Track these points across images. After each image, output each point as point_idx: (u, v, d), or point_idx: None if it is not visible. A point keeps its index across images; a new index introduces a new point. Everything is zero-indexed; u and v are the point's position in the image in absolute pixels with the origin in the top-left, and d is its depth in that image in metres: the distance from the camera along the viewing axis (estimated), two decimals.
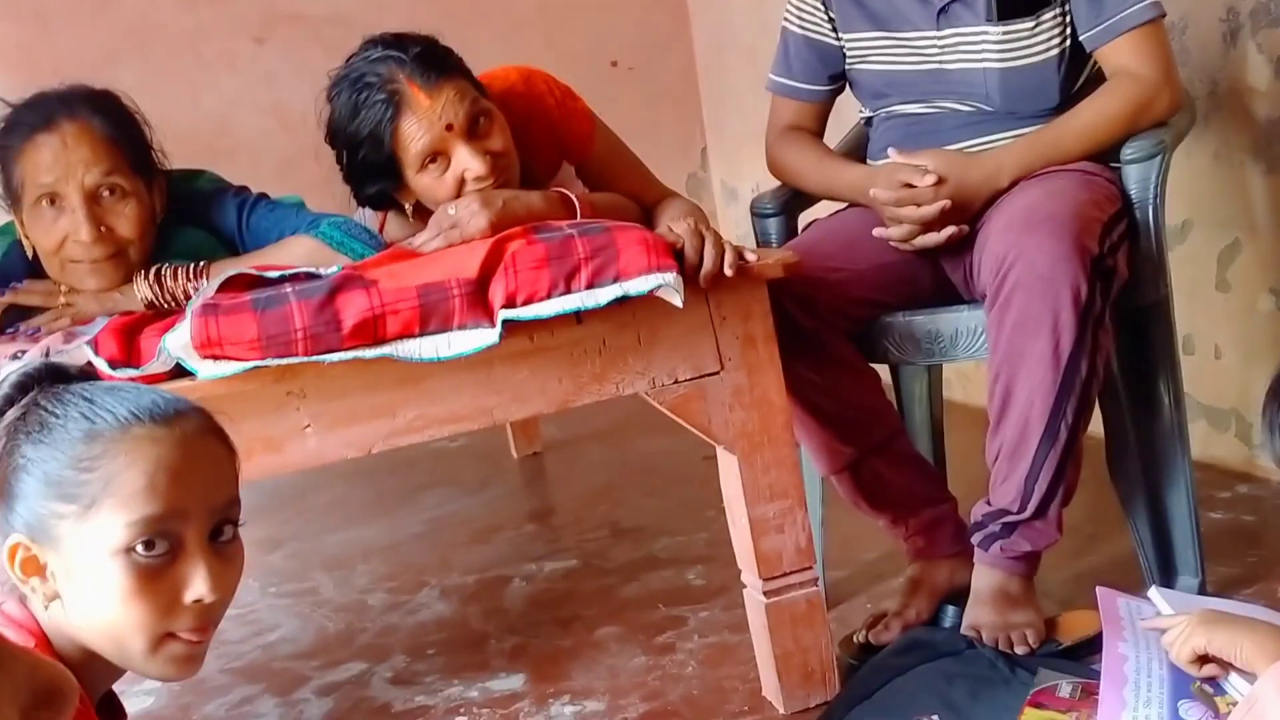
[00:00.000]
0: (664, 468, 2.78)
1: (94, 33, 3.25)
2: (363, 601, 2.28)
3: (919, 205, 1.72)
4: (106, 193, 1.54)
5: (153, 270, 1.55)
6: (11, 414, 0.96)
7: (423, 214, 1.71)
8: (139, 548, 0.93)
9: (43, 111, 1.54)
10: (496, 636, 2.03)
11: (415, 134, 1.64)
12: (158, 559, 0.94)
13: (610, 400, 1.58)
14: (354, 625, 2.17)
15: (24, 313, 1.52)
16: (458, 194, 1.66)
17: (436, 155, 1.66)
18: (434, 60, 1.67)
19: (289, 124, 3.29)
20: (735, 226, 3.66)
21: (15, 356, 1.38)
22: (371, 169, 1.69)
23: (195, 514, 0.96)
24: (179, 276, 1.55)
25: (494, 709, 1.77)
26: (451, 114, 1.64)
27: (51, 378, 0.99)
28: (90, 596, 0.94)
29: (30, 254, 1.60)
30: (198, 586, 0.95)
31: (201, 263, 1.57)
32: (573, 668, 1.86)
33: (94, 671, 0.97)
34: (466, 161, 1.65)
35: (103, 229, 1.53)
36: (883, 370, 1.90)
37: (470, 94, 1.67)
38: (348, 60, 1.72)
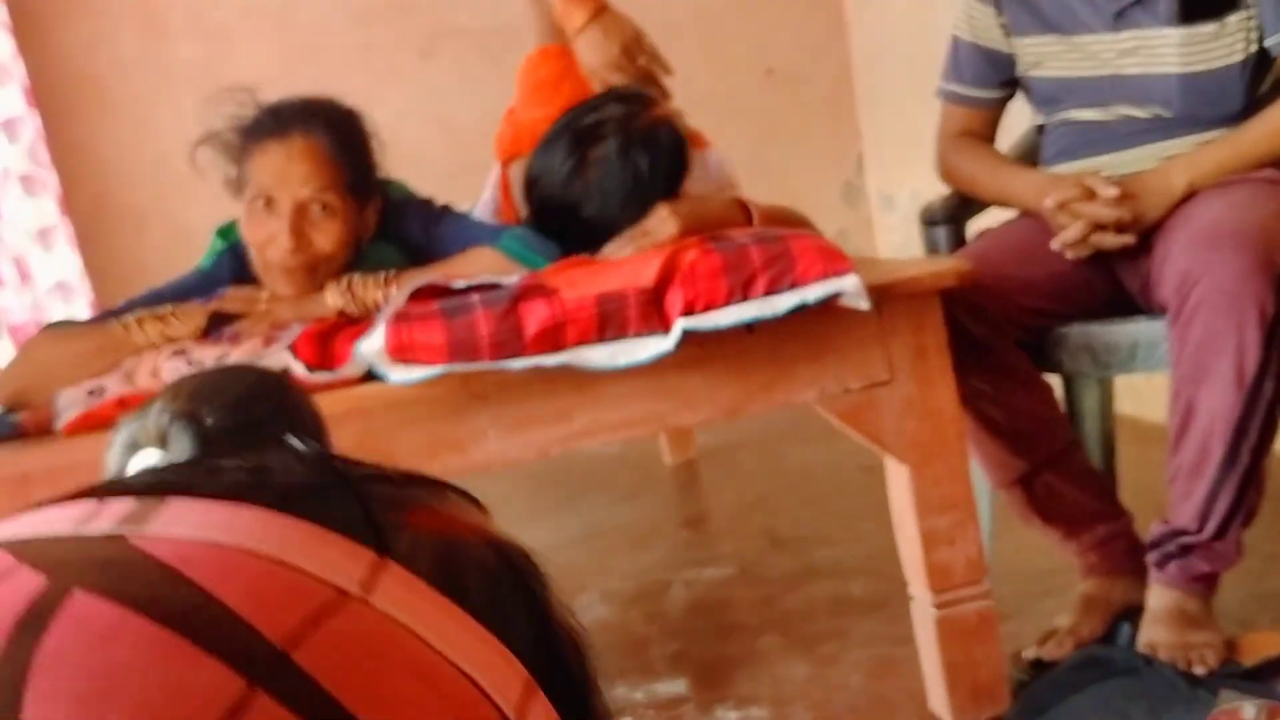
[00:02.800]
0: (820, 478, 2.78)
1: (271, 50, 3.40)
2: None
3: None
4: (316, 208, 1.62)
5: (345, 280, 1.62)
6: None
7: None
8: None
9: (282, 119, 1.63)
10: (658, 641, 2.05)
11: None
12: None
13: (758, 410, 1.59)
14: None
15: (227, 318, 1.60)
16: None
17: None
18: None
19: (453, 136, 3.39)
20: (891, 233, 3.63)
21: (219, 359, 1.46)
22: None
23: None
24: (369, 286, 1.61)
25: (659, 712, 1.79)
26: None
27: None
28: None
29: (236, 259, 1.69)
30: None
31: (391, 273, 1.63)
32: (736, 675, 1.87)
33: None
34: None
35: (303, 240, 1.60)
36: (1054, 382, 1.87)
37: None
38: None
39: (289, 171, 1.60)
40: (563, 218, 1.70)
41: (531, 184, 1.76)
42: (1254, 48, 1.71)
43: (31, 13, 3.24)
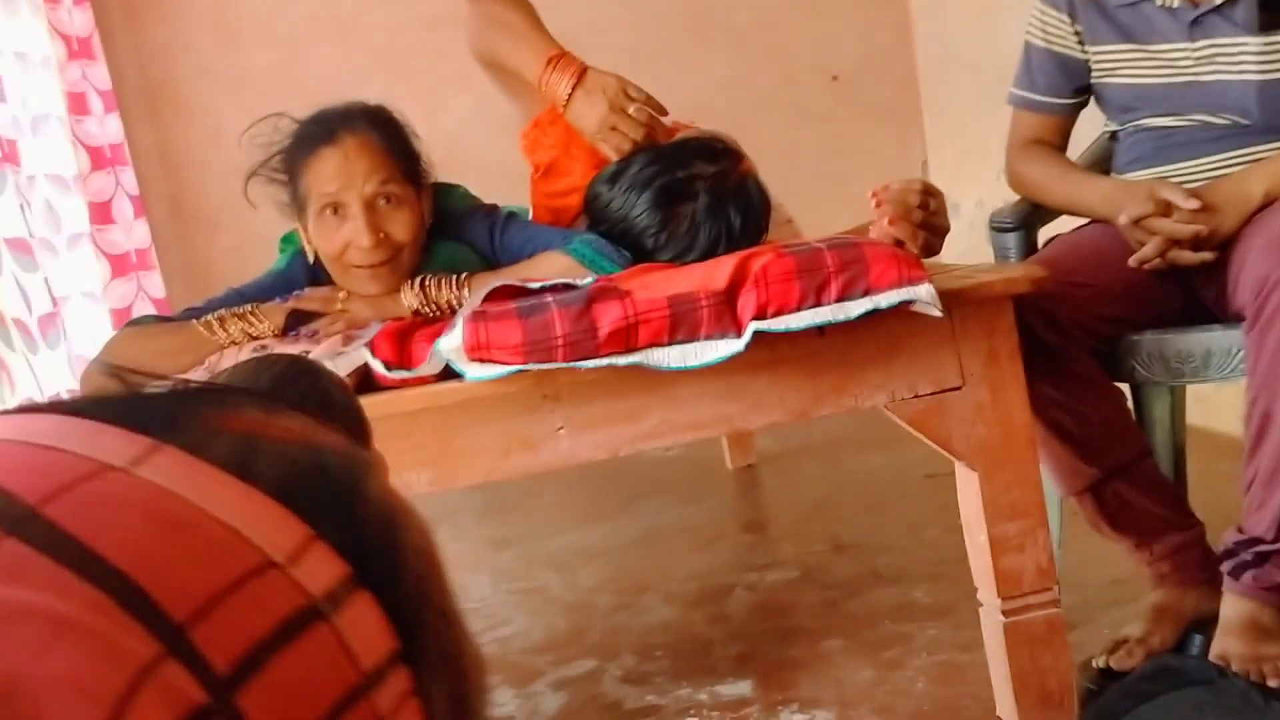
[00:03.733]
0: (883, 484, 2.77)
1: (340, 56, 3.46)
2: (589, 601, 2.35)
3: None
4: (383, 201, 1.64)
5: (418, 280, 1.65)
6: None
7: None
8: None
9: (326, 126, 1.66)
10: (722, 643, 2.06)
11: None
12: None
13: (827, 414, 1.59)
14: (582, 624, 2.24)
15: (306, 316, 1.64)
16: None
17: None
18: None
19: (515, 140, 3.42)
20: (957, 241, 3.61)
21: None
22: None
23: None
24: (443, 287, 1.64)
25: (724, 713, 1.80)
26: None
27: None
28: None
29: (311, 259, 1.72)
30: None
31: (463, 275, 1.66)
32: (800, 677, 1.88)
33: None
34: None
35: (381, 235, 1.63)
36: (1125, 390, 1.85)
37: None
38: None
39: (351, 171, 1.63)
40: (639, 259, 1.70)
41: (602, 228, 1.75)
42: None
43: (112, 18, 3.32)
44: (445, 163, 3.36)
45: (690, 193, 1.69)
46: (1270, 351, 1.53)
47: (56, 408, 0.35)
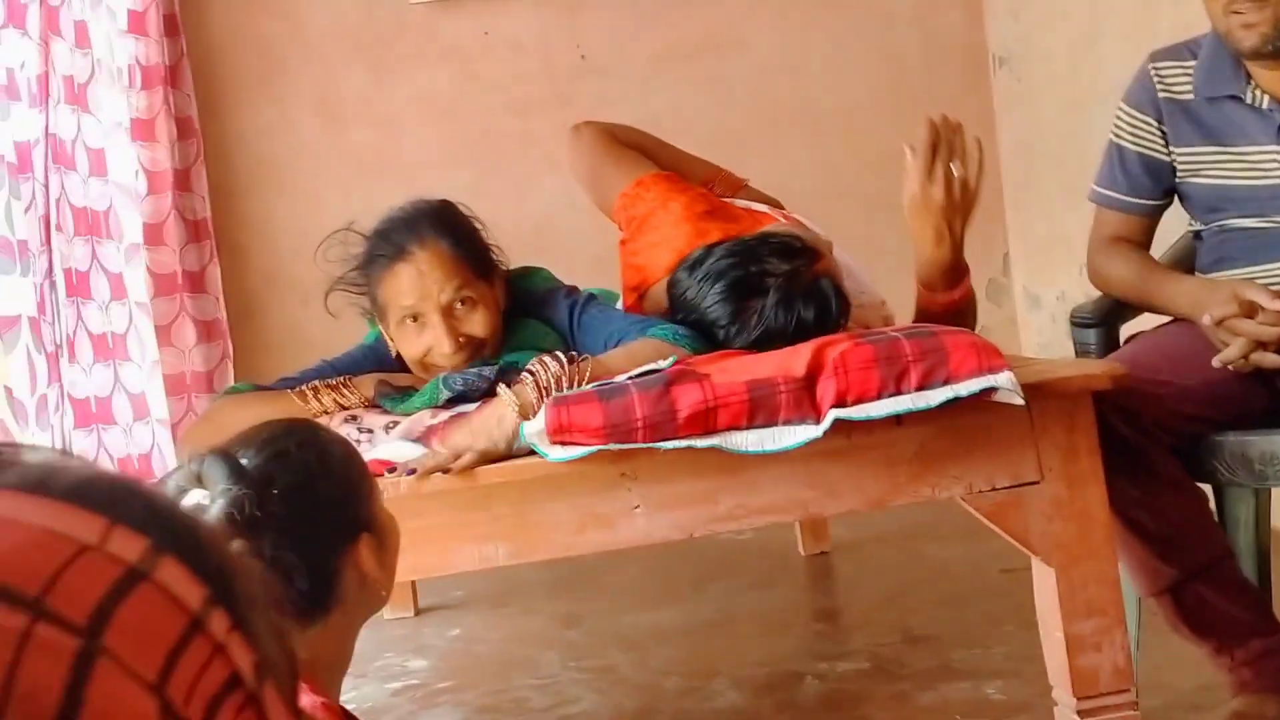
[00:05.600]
0: (958, 577, 2.74)
1: (436, 137, 3.57)
2: (658, 683, 2.35)
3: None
4: (459, 305, 1.71)
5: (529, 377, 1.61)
6: None
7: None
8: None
9: (396, 242, 1.72)
10: None
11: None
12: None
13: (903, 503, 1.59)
14: (651, 706, 2.24)
15: (394, 389, 1.69)
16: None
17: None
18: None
19: (600, 222, 3.50)
20: (1038, 334, 3.60)
21: (388, 426, 1.55)
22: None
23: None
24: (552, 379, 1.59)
25: None
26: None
27: None
28: None
29: (394, 356, 1.78)
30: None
31: (578, 358, 1.63)
32: None
33: None
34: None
35: (461, 339, 1.69)
36: (1207, 491, 1.83)
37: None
38: None
39: (425, 286, 1.69)
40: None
41: (679, 316, 1.79)
42: None
43: (218, 98, 3.47)
44: (533, 243, 3.45)
45: (761, 288, 1.71)
46: None
47: None
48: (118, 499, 0.43)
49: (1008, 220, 3.78)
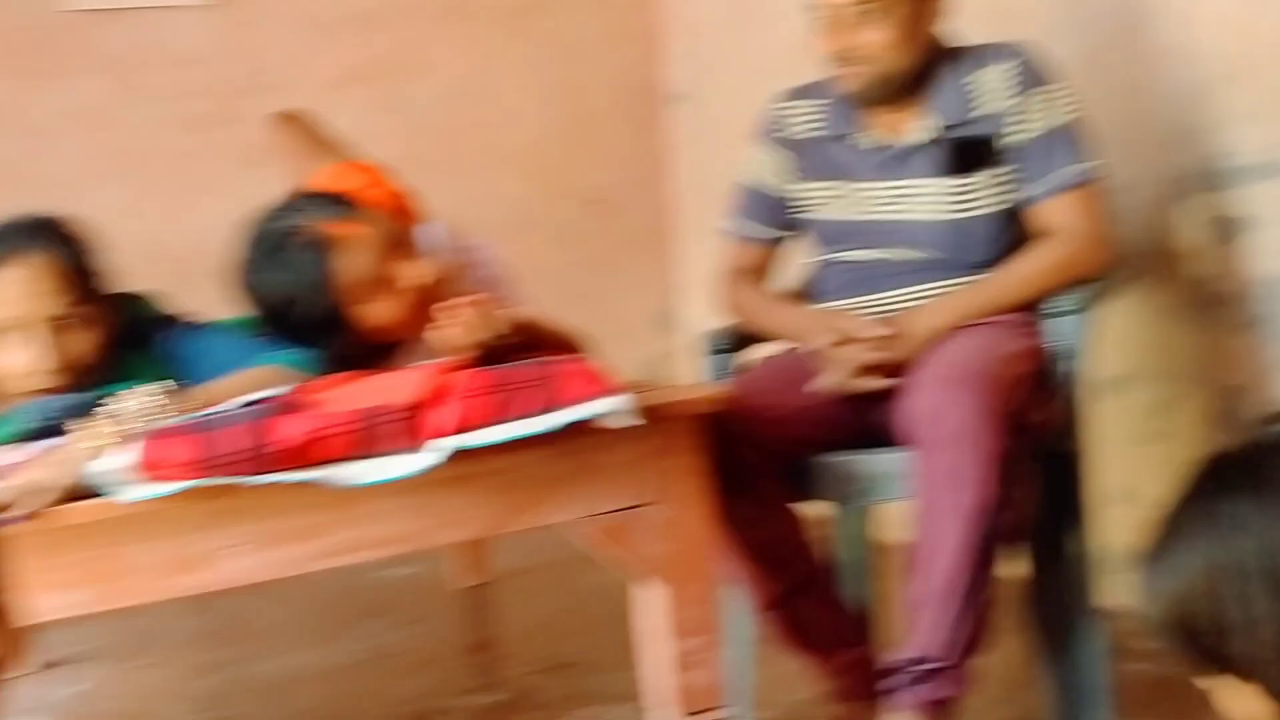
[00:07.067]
0: (607, 600, 2.77)
1: (89, 152, 3.32)
2: None
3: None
4: (68, 322, 1.62)
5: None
6: None
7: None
8: None
9: (9, 245, 1.62)
10: None
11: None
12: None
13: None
14: None
15: None
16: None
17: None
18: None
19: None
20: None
21: None
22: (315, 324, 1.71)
23: None
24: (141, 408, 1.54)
25: None
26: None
27: None
28: None
29: None
30: None
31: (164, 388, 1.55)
32: None
33: None
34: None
35: (67, 358, 1.60)
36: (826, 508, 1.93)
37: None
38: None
39: (36, 295, 1.59)
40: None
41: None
42: (1007, 203, 1.86)
43: None
44: (186, 266, 3.26)
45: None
46: (929, 482, 1.64)
47: None
48: None
49: (684, 251, 3.88)
